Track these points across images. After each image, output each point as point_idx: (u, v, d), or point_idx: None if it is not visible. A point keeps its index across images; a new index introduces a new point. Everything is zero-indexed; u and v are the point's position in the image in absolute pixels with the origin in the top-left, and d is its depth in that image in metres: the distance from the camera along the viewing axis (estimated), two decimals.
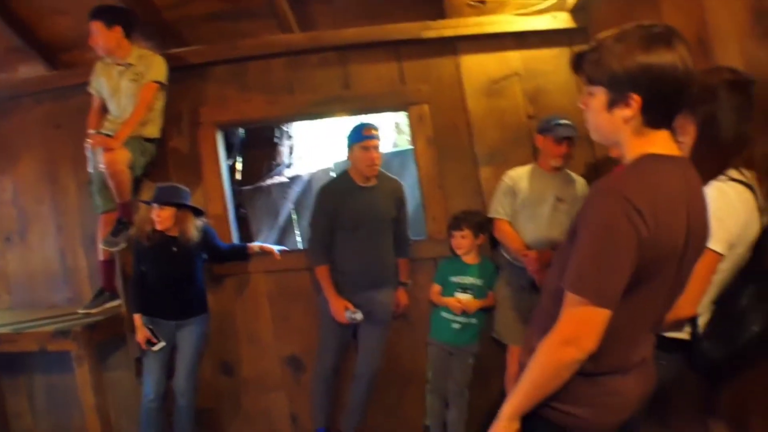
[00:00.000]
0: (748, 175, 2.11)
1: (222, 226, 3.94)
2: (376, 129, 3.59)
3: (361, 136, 3.54)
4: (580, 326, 1.44)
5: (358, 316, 3.50)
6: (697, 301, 2.01)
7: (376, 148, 3.55)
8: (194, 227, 3.53)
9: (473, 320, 3.55)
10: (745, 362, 2.46)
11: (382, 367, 3.65)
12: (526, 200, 3.40)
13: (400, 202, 3.70)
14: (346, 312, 3.49)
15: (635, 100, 1.45)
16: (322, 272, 3.58)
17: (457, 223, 3.60)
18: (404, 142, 5.46)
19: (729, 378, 2.72)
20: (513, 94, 3.84)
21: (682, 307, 1.84)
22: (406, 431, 3.83)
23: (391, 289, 3.69)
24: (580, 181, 3.49)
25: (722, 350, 2.16)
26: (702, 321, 2.21)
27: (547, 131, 3.38)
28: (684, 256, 1.53)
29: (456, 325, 3.55)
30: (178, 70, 3.78)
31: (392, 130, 5.92)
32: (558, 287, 1.54)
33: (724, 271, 2.13)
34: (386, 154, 4.84)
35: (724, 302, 2.19)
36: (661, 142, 1.51)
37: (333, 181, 3.77)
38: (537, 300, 3.47)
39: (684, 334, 2.21)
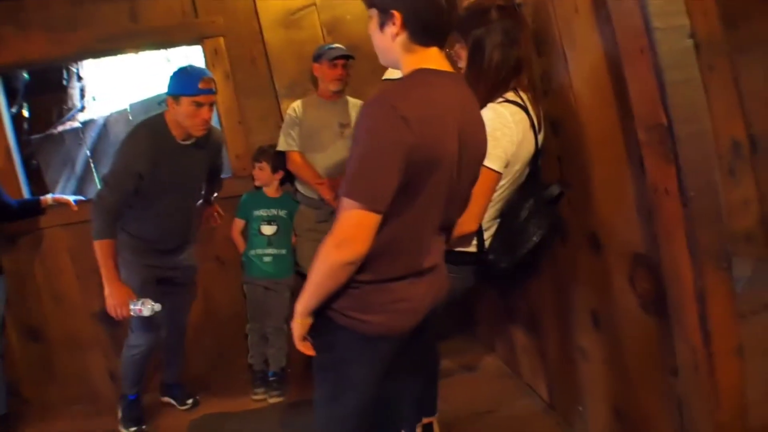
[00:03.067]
0: (524, 97, 2.26)
1: (9, 181, 3.58)
2: (214, 81, 2.91)
3: (197, 90, 2.80)
4: (352, 229, 1.53)
5: (151, 308, 2.83)
6: (479, 217, 2.15)
7: (211, 105, 2.90)
8: None
9: (283, 251, 3.60)
10: (531, 270, 2.71)
11: (189, 321, 3.57)
12: (311, 129, 3.46)
13: (218, 152, 3.30)
14: (131, 306, 2.82)
15: (396, 16, 1.57)
16: (106, 248, 2.84)
17: (257, 155, 3.60)
18: None
19: (520, 286, 2.99)
20: (311, 25, 3.79)
21: (465, 223, 1.99)
22: (231, 372, 3.81)
23: (193, 245, 3.39)
24: (360, 105, 3.55)
25: (507, 260, 2.35)
26: (488, 235, 2.39)
27: (320, 57, 3.44)
28: (460, 165, 1.66)
29: (267, 258, 3.58)
30: None
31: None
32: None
33: (503, 188, 2.30)
34: None
35: (506, 216, 2.39)
36: (432, 59, 1.64)
37: (146, 134, 2.93)
38: None
39: (472, 248, 2.37)
